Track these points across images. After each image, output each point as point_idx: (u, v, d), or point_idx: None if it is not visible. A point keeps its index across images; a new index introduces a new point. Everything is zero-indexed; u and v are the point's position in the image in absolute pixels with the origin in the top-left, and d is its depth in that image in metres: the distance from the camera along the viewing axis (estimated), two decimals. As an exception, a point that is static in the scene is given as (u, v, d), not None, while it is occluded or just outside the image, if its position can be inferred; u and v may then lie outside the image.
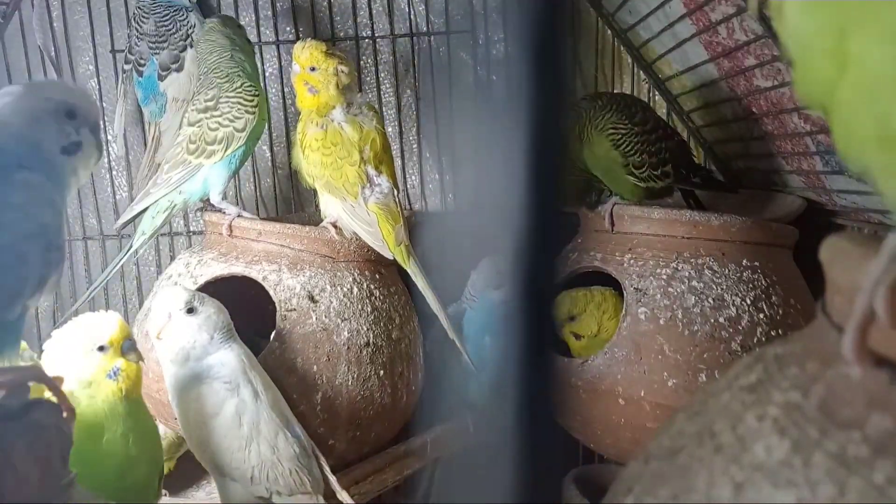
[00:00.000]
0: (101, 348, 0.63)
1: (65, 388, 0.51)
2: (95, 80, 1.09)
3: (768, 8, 0.24)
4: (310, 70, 0.83)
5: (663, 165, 0.83)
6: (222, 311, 0.72)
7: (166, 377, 0.72)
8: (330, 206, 0.85)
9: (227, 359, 0.70)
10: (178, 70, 0.99)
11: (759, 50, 0.74)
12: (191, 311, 0.70)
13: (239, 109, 0.87)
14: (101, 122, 0.58)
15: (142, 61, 1.01)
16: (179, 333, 0.70)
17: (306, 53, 0.83)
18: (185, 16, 0.99)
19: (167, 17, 0.99)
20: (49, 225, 0.47)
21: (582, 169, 0.88)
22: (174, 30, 0.98)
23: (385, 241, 0.82)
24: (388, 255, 0.83)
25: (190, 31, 0.98)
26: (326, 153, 0.82)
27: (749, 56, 0.76)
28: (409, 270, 0.84)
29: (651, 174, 0.83)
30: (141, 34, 1.00)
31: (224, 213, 0.88)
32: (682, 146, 0.89)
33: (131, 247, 0.91)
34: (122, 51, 1.08)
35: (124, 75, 1.04)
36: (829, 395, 0.22)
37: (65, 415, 0.46)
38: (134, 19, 1.01)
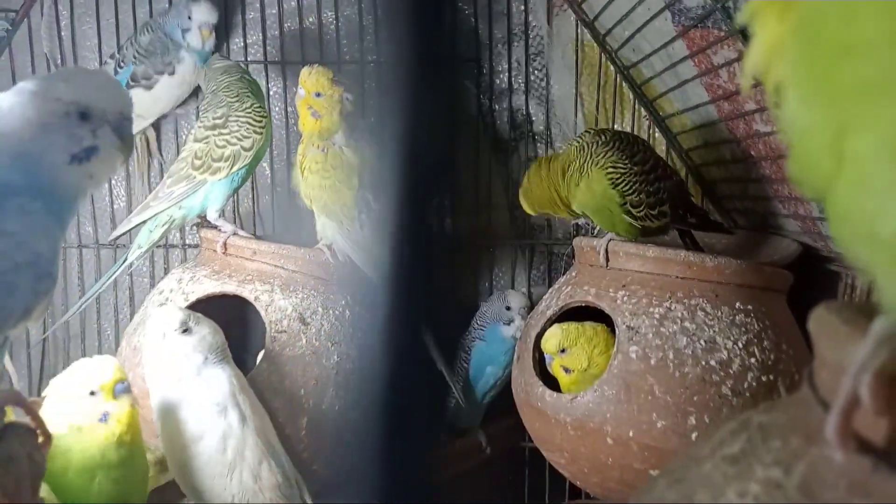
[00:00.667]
0: (92, 393, 0.63)
1: (59, 431, 0.51)
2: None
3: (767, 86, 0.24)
4: (315, 95, 0.85)
5: (660, 205, 0.83)
6: (217, 332, 0.72)
7: (153, 396, 0.71)
8: (327, 228, 0.86)
9: (218, 381, 0.70)
10: (147, 88, 1.02)
11: (759, 95, 0.74)
12: (186, 331, 0.69)
13: (248, 129, 0.88)
14: (131, 113, 0.52)
15: (122, 64, 1.04)
16: (173, 353, 0.69)
17: (313, 79, 0.85)
18: (177, 50, 1.02)
19: (161, 42, 1.01)
20: (42, 254, 0.45)
21: (569, 212, 0.88)
22: (160, 54, 1.01)
23: None
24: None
25: (175, 63, 1.02)
26: (326, 176, 0.83)
27: (749, 100, 0.77)
28: None
29: (648, 213, 0.83)
30: (135, 42, 1.04)
31: (220, 230, 0.88)
32: (680, 186, 0.90)
33: (126, 259, 0.91)
34: (129, 62, 1.09)
35: (103, 66, 1.06)
36: (811, 475, 0.21)
37: (41, 440, 0.46)
38: (141, 26, 1.04)
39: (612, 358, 0.78)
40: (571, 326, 0.82)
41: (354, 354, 0.83)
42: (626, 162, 0.82)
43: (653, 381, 0.75)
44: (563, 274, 0.96)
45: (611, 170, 0.82)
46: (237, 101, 0.89)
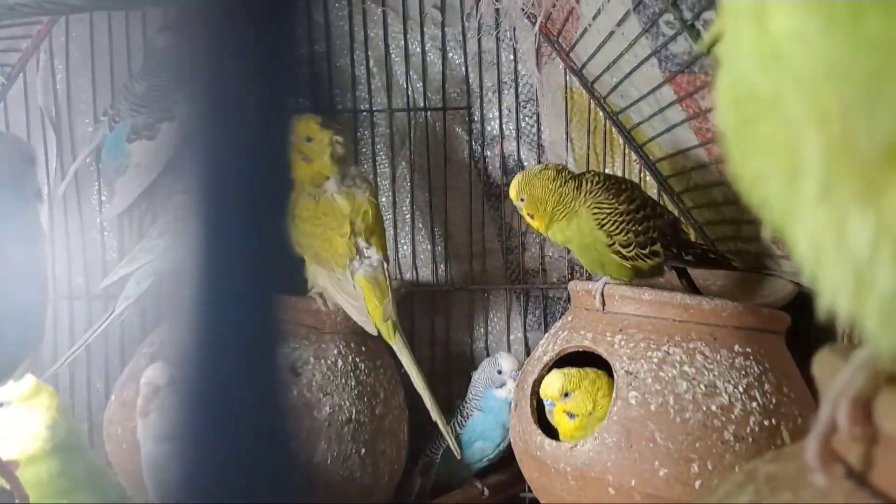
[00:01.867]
0: None
1: None
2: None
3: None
4: (305, 140, 0.85)
5: (651, 245, 0.83)
6: None
7: (143, 454, 0.69)
8: (318, 276, 0.85)
9: None
10: (150, 138, 1.00)
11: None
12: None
13: None
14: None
15: (117, 119, 1.02)
16: (165, 410, 0.68)
17: (302, 125, 0.85)
18: (169, 96, 1.01)
19: (159, 86, 1.00)
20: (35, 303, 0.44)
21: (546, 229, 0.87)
22: (160, 99, 1.00)
23: (370, 315, 0.81)
24: (372, 331, 0.82)
25: (170, 106, 1.00)
26: (316, 224, 0.82)
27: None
28: (393, 346, 0.83)
29: (639, 253, 0.82)
30: (129, 93, 1.02)
31: None
32: (674, 225, 0.89)
33: (114, 311, 0.90)
34: (123, 114, 1.10)
35: (97, 124, 1.05)
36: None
37: (17, 502, 0.44)
38: (131, 76, 1.04)
39: (612, 404, 0.76)
40: (573, 371, 0.81)
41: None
42: (613, 201, 0.82)
43: (654, 428, 0.73)
44: (559, 318, 0.95)
45: (595, 210, 0.82)
46: None
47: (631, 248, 0.82)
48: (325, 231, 0.82)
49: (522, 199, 0.84)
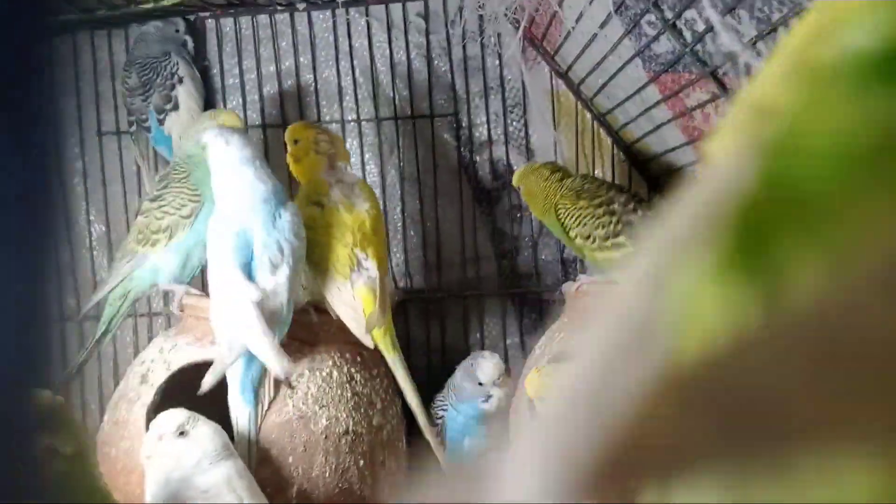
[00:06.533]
0: None
1: None
2: (81, 162, 1.10)
3: None
4: (294, 143, 0.87)
5: (615, 237, 0.86)
6: (217, 433, 0.70)
7: (146, 495, 0.69)
8: (317, 287, 0.85)
9: (213, 482, 0.67)
10: (175, 109, 1.00)
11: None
12: (182, 434, 0.68)
13: (184, 198, 0.86)
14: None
15: (143, 117, 1.02)
16: (168, 456, 0.68)
17: (290, 132, 0.88)
18: (167, 58, 1.01)
19: (147, 66, 1.00)
20: None
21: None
22: (157, 74, 1.00)
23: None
24: (369, 344, 0.82)
25: (174, 70, 1.00)
26: (321, 233, 0.83)
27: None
28: (388, 359, 0.83)
29: (601, 245, 0.87)
30: (130, 91, 1.02)
31: (172, 294, 0.88)
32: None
33: (96, 337, 0.91)
34: (110, 133, 1.10)
35: (132, 138, 1.05)
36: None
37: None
38: (121, 83, 1.03)
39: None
40: (551, 370, 0.80)
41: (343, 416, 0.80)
42: (573, 199, 0.88)
43: (651, 428, 0.73)
44: (555, 321, 0.95)
45: (560, 208, 0.90)
46: (176, 173, 0.88)
47: (592, 240, 0.87)
48: (329, 240, 0.83)
49: (519, 189, 0.95)
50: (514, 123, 1.10)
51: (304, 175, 0.87)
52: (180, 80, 1.01)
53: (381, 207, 1.09)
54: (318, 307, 0.85)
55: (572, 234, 0.88)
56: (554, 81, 1.07)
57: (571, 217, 0.88)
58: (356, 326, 0.82)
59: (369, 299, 0.82)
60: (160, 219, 0.86)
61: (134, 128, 1.04)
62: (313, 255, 0.83)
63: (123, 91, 1.04)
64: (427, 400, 1.00)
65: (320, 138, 0.86)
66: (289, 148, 0.88)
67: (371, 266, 0.83)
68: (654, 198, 1.05)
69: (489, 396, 0.88)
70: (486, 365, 0.89)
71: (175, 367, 0.80)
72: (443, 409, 0.95)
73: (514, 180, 0.95)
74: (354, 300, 0.82)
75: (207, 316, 0.81)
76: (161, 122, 1.01)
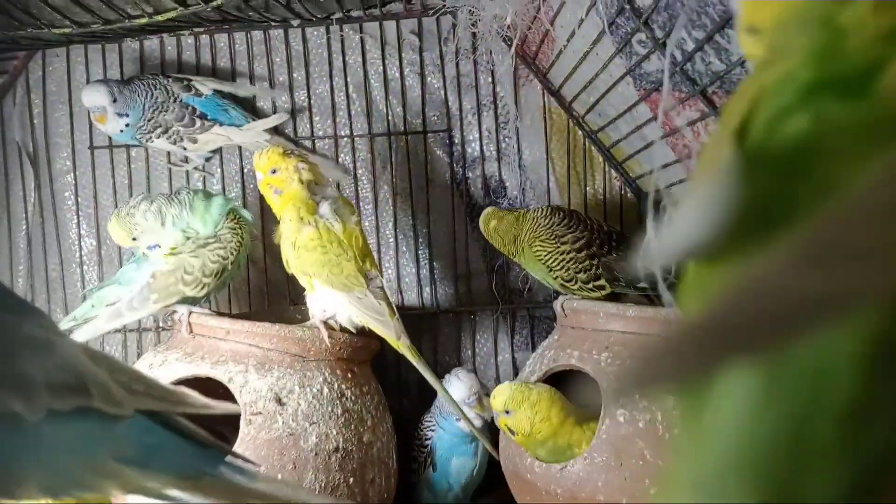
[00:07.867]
0: None
1: None
2: (72, 175, 1.10)
3: None
4: (271, 173, 0.85)
5: (595, 280, 0.88)
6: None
7: None
8: (333, 302, 0.85)
9: None
10: (198, 95, 1.03)
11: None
12: None
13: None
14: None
15: (199, 89, 1.03)
16: None
17: (264, 159, 0.85)
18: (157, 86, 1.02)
19: (150, 95, 1.01)
20: None
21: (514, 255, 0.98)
22: (160, 97, 1.01)
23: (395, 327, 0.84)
24: (406, 342, 0.85)
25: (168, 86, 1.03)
26: (324, 251, 0.83)
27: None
28: (414, 363, 0.86)
29: (583, 287, 0.89)
30: (157, 94, 1.01)
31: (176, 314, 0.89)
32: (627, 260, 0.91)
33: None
34: (102, 147, 1.09)
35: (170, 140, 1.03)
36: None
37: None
38: (153, 114, 1.01)
39: (601, 423, 0.76)
40: (517, 387, 0.79)
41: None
42: (554, 243, 0.89)
43: (643, 445, 0.73)
44: (546, 338, 0.95)
45: (538, 249, 0.90)
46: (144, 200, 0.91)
47: (574, 282, 0.89)
48: (333, 257, 0.83)
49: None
50: (507, 140, 1.10)
51: (286, 204, 0.85)
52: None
53: (374, 223, 1.10)
54: (330, 323, 0.85)
55: (554, 275, 0.90)
56: (546, 98, 1.07)
57: (554, 260, 0.90)
58: (385, 329, 0.84)
59: (389, 304, 0.85)
60: (214, 262, 0.89)
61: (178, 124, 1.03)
62: (321, 274, 0.83)
63: (152, 105, 1.02)
64: (416, 418, 1.00)
65: (301, 167, 0.84)
66: (262, 176, 0.85)
67: (375, 275, 0.85)
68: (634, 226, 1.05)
69: (463, 414, 0.90)
70: (457, 384, 0.91)
71: (164, 382, 0.79)
72: (431, 430, 0.95)
73: (481, 227, 0.97)
74: (379, 305, 0.84)
75: (223, 338, 0.82)
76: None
